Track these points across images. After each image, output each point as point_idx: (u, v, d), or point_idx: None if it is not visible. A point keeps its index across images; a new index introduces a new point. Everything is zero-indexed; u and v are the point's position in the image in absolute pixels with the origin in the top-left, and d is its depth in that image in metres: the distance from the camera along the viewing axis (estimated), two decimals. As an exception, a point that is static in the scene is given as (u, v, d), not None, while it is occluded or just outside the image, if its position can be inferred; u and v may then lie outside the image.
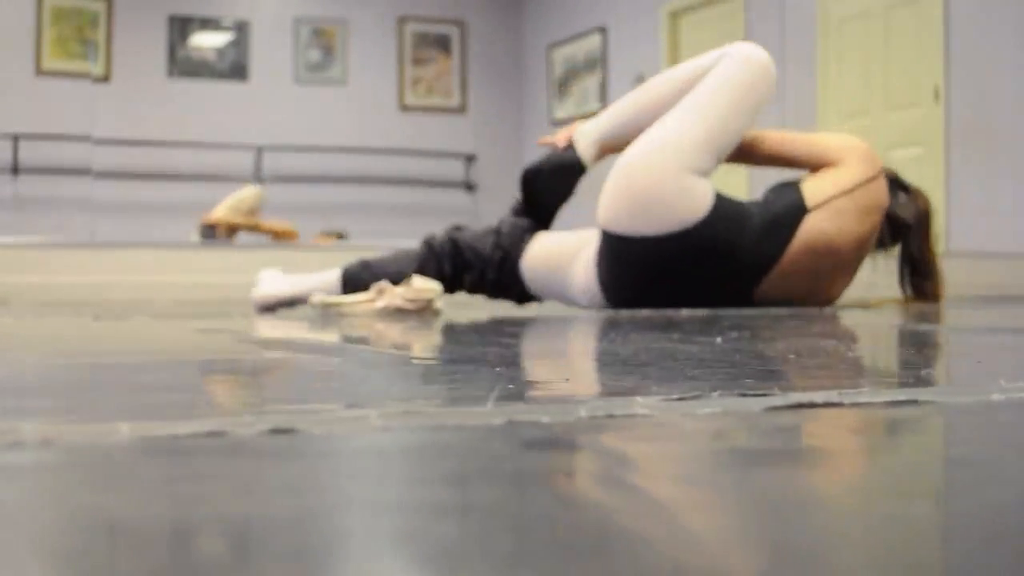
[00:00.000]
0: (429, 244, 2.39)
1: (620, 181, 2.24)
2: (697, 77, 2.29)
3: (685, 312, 2.11)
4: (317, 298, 2.08)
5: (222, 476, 0.51)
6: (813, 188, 2.30)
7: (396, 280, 2.16)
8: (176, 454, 0.56)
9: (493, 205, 6.96)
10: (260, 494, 0.47)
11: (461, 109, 9.47)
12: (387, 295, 2.04)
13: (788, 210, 2.27)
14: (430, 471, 0.53)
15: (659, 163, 2.20)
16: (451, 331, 1.68)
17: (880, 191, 2.34)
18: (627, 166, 2.25)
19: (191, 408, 0.78)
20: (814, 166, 2.37)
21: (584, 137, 2.42)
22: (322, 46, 9.19)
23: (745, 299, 2.30)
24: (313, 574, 0.34)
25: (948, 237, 5.89)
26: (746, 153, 2.41)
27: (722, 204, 2.26)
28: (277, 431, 0.62)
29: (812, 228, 2.26)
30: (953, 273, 4.86)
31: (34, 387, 0.91)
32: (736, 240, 2.23)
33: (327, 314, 2.03)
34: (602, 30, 8.75)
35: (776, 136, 2.43)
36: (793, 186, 2.34)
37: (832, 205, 2.27)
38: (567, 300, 2.42)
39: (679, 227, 2.20)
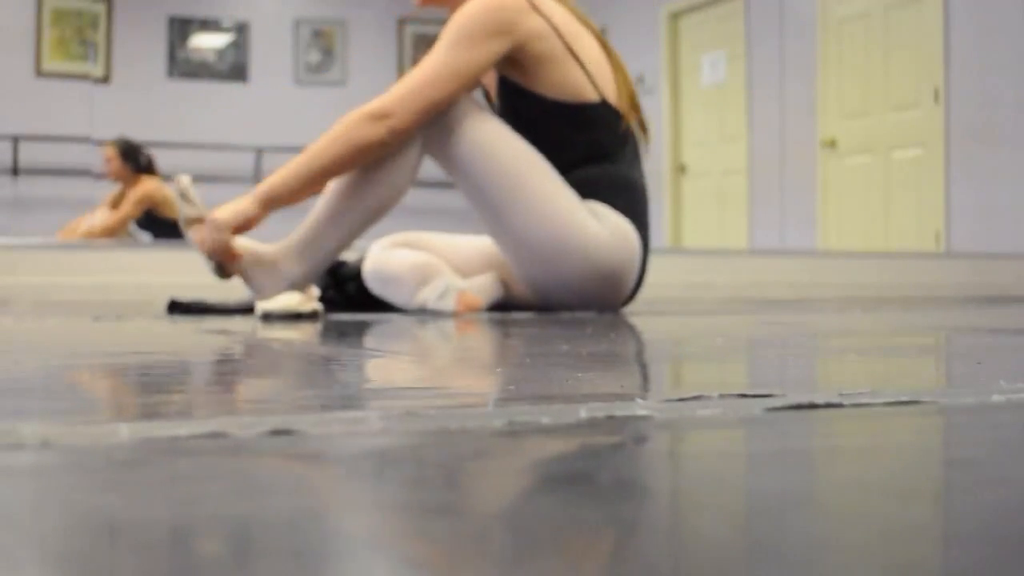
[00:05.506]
0: None
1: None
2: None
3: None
4: (184, 181, 2.11)
5: (222, 476, 0.51)
6: None
7: None
8: (176, 454, 0.56)
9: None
10: (260, 494, 0.47)
11: (461, 109, 9.46)
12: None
13: None
14: (430, 472, 0.53)
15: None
16: (446, 332, 1.68)
17: None
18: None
19: (191, 409, 0.78)
20: None
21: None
22: (322, 47, 9.19)
23: None
24: (313, 574, 0.34)
25: (948, 237, 5.89)
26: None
27: None
28: (277, 432, 0.62)
29: None
30: (953, 273, 4.86)
31: (34, 387, 0.91)
32: None
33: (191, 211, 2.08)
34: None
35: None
36: None
37: None
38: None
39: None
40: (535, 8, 2.18)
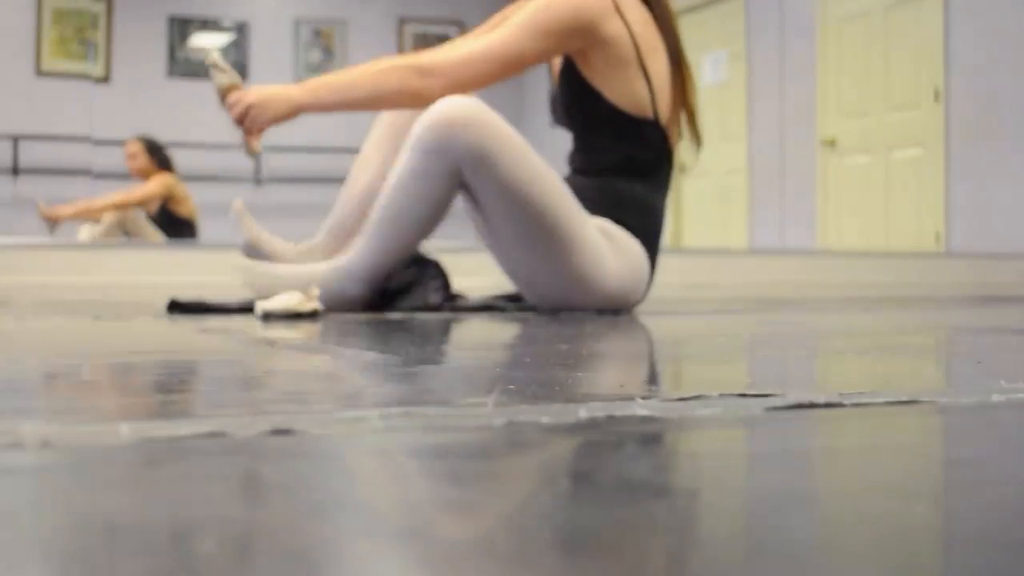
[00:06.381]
0: None
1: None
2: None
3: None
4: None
5: (222, 476, 0.51)
6: None
7: None
8: (176, 454, 0.56)
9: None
10: (260, 494, 0.47)
11: (461, 109, 9.45)
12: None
13: None
14: (430, 471, 0.53)
15: None
16: (446, 333, 1.68)
17: None
18: None
19: (191, 409, 0.78)
20: None
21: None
22: (322, 47, 9.19)
23: None
24: (313, 574, 0.34)
25: (948, 237, 5.89)
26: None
27: None
28: (277, 432, 0.62)
29: None
30: (953, 273, 4.86)
31: (34, 387, 0.91)
32: None
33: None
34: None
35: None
36: None
37: None
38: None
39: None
40: (619, 12, 2.14)
